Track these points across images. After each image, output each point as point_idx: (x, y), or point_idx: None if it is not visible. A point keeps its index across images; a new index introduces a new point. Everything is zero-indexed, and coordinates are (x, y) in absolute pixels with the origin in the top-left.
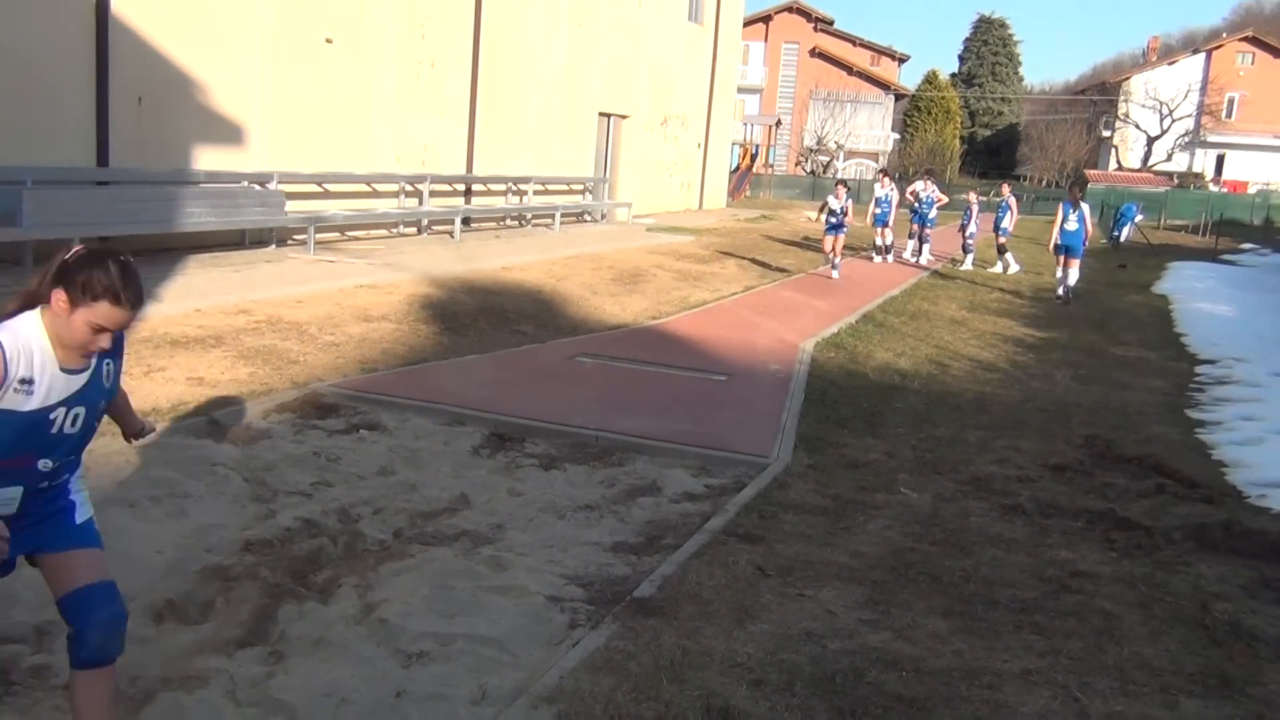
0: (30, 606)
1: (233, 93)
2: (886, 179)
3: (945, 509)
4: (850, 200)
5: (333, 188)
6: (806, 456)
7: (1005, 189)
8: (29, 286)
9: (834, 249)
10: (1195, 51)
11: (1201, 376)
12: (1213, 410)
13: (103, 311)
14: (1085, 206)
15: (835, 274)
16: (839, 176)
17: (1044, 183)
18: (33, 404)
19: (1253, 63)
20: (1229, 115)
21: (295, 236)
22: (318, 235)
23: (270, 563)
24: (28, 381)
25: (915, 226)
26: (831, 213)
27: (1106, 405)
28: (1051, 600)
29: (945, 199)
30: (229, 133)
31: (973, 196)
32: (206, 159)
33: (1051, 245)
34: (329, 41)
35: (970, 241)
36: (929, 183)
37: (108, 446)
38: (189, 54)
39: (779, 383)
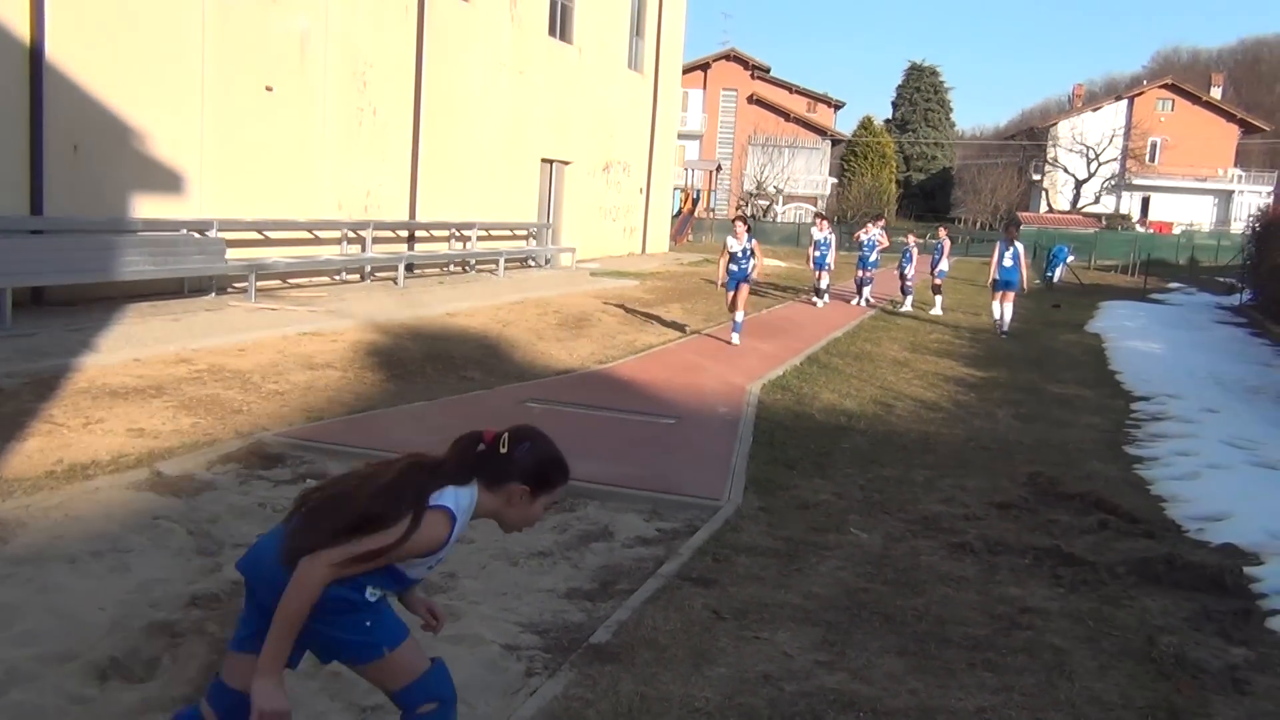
0: None
1: (171, 140)
2: (825, 223)
3: (895, 548)
4: (753, 240)
5: (274, 235)
6: (757, 498)
7: (942, 232)
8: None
9: (735, 304)
10: (1118, 98)
11: (1137, 413)
12: (1149, 446)
13: (559, 492)
14: (1019, 245)
15: (735, 338)
16: (740, 213)
17: (978, 224)
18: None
19: (1173, 109)
20: (1152, 159)
21: (236, 284)
22: (259, 283)
23: (218, 617)
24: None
25: (859, 271)
26: (733, 258)
27: (1047, 443)
28: (1003, 637)
29: (885, 243)
30: (168, 180)
31: (911, 239)
32: (145, 207)
33: (990, 281)
34: (269, 89)
35: (909, 283)
36: (871, 226)
37: (45, 501)
38: (126, 100)
39: (727, 425)
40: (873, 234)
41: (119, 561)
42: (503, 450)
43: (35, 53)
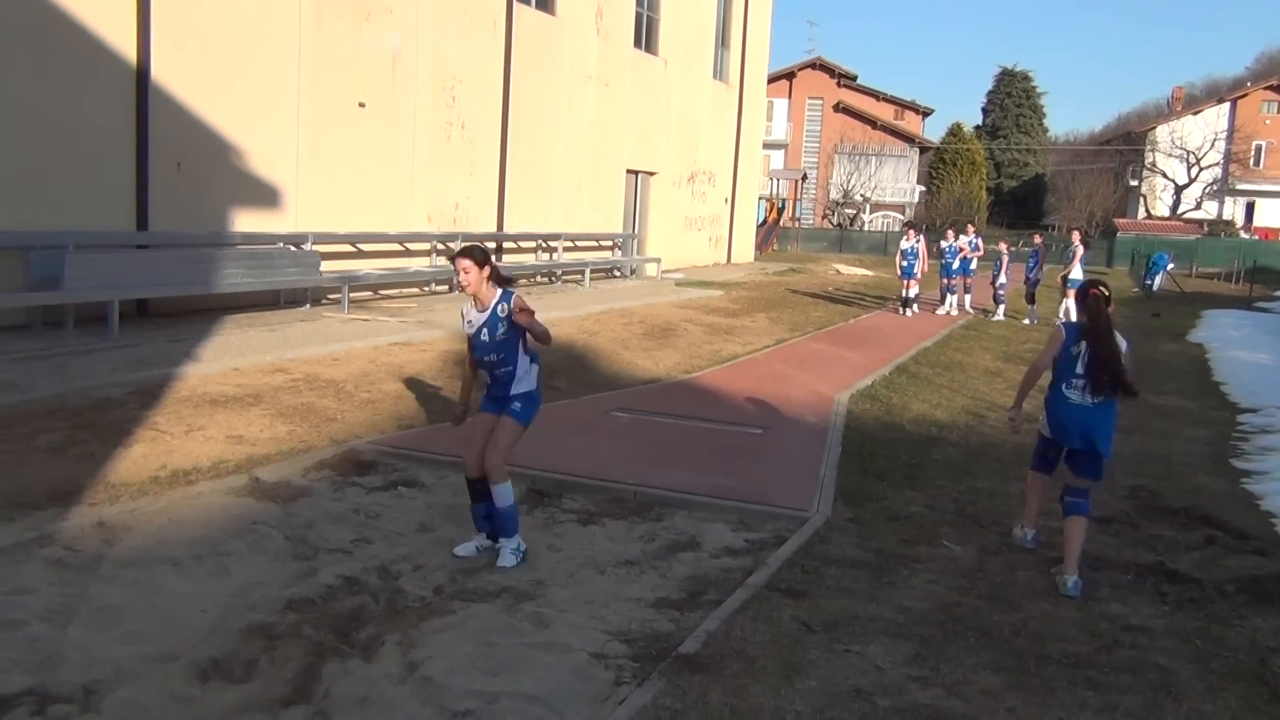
0: (78, 666)
1: (268, 156)
2: (913, 232)
3: (990, 562)
4: (919, 241)
5: (366, 247)
6: (846, 510)
7: (1037, 239)
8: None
9: (907, 288)
10: (1220, 100)
11: (1244, 425)
12: (1259, 460)
13: None
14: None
15: (908, 311)
16: (906, 221)
17: (1086, 233)
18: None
19: (1278, 111)
20: (1257, 163)
21: (330, 296)
22: (352, 294)
23: (313, 621)
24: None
25: (943, 279)
26: (904, 254)
27: (1149, 455)
28: (1104, 655)
29: (968, 252)
30: (265, 195)
31: (1003, 247)
32: (243, 221)
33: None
34: (362, 105)
35: (1001, 292)
36: (951, 234)
37: (150, 506)
38: (226, 119)
39: (815, 435)
40: (952, 242)
41: (219, 565)
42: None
43: (141, 74)
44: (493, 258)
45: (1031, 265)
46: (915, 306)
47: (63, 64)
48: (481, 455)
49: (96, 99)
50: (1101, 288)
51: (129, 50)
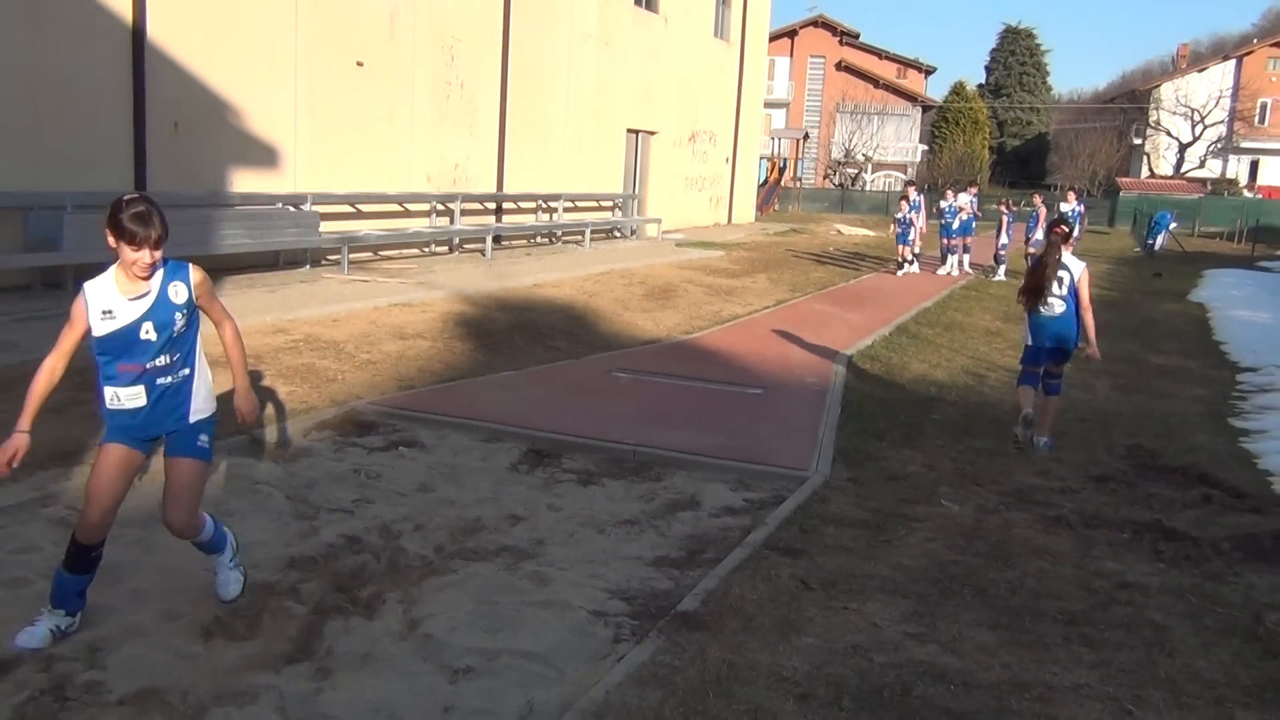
0: (83, 625)
1: (266, 116)
2: (914, 191)
3: (988, 521)
4: (921, 199)
5: (365, 208)
6: (845, 469)
7: (1037, 199)
8: None
9: (902, 253)
10: (1226, 58)
11: (1244, 385)
12: (1257, 419)
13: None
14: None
15: (910, 268)
16: (908, 180)
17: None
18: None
19: None
20: (1262, 121)
21: (329, 256)
22: (351, 255)
23: (315, 579)
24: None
25: (943, 239)
26: (898, 221)
27: (1148, 414)
28: (1100, 612)
29: (968, 210)
30: (263, 155)
31: (1003, 206)
32: (241, 181)
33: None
34: (360, 64)
35: (1001, 253)
36: (950, 194)
37: (151, 466)
38: (223, 79)
39: (815, 396)
40: (952, 202)
41: None
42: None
43: (138, 34)
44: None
45: (1032, 226)
46: (916, 265)
47: (58, 24)
48: (111, 513)
49: (92, 59)
50: (1063, 227)
51: (125, 9)
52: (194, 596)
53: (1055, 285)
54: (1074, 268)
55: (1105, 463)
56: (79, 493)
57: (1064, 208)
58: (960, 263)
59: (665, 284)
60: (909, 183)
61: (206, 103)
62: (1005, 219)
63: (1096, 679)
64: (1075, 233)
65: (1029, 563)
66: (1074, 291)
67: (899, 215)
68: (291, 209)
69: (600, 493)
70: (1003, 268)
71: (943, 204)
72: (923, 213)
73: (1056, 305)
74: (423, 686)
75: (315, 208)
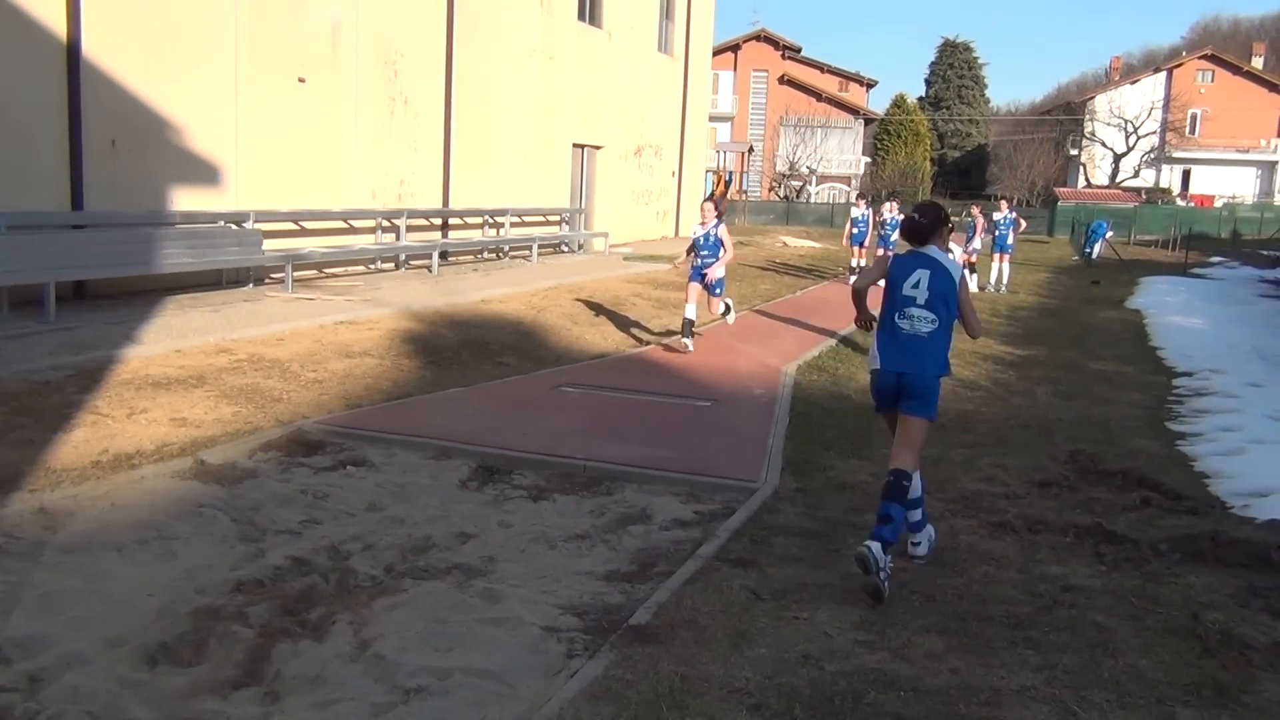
0: (22, 654)
1: (207, 133)
2: (863, 201)
3: (934, 528)
4: (720, 227)
5: (309, 225)
6: (794, 480)
7: (975, 209)
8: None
9: (858, 255)
10: (1157, 70)
11: (1180, 389)
12: (1193, 422)
13: None
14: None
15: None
16: (859, 192)
17: (1015, 201)
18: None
19: (1213, 80)
20: (1192, 131)
21: (273, 275)
22: (296, 273)
23: (262, 602)
24: None
25: (880, 250)
26: (854, 222)
27: (1088, 420)
28: (1044, 615)
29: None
30: (204, 173)
31: (978, 212)
32: (182, 199)
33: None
34: (302, 80)
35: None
36: (895, 206)
37: (92, 491)
38: (162, 94)
39: (763, 407)
40: (895, 215)
41: (165, 549)
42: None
43: (72, 49)
44: None
45: (970, 235)
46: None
47: None
48: None
49: (25, 75)
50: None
51: (58, 23)
52: (138, 623)
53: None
54: (954, 249)
55: (1048, 468)
56: (18, 519)
57: (997, 216)
58: None
59: (614, 298)
60: (860, 195)
61: (145, 119)
62: (980, 223)
63: (1042, 681)
64: (1010, 239)
65: (975, 568)
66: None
67: (855, 215)
68: (234, 227)
69: (551, 508)
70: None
71: (886, 216)
72: (870, 223)
73: None
74: (374, 708)
75: (258, 225)
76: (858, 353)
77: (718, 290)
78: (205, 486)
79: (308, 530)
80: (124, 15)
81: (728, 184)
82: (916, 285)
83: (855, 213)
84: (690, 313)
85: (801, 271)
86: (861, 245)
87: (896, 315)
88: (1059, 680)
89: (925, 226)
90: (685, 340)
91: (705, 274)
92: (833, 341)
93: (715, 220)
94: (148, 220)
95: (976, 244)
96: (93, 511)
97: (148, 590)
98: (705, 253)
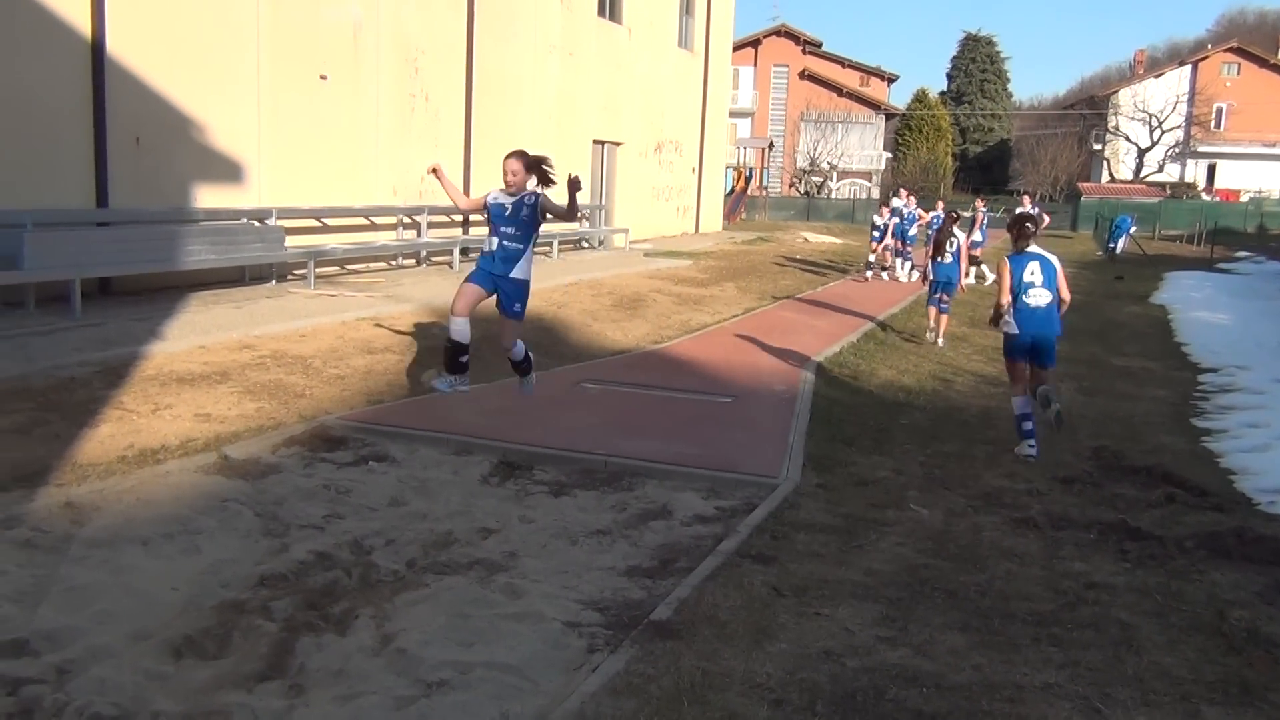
0: (50, 647)
1: (230, 130)
2: (905, 192)
3: (957, 524)
4: (895, 217)
5: (331, 222)
6: (815, 476)
7: (979, 203)
8: None
9: (879, 255)
10: (1181, 63)
11: (1205, 385)
12: (1218, 419)
13: None
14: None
15: (885, 275)
16: (894, 192)
17: (1038, 196)
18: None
19: (1239, 73)
20: (1218, 125)
21: (295, 271)
22: (318, 269)
23: (286, 596)
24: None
25: (897, 243)
26: (875, 227)
27: (1112, 416)
28: (1068, 612)
29: (926, 218)
30: (227, 170)
31: (981, 204)
32: (205, 197)
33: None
34: (323, 78)
35: (975, 252)
36: (907, 193)
37: (118, 485)
38: (185, 93)
39: (784, 403)
40: (913, 210)
41: (190, 543)
42: None
43: (97, 48)
44: None
45: (969, 229)
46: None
47: (14, 39)
48: None
49: (51, 74)
50: (953, 213)
51: (83, 23)
52: (163, 617)
53: (948, 245)
54: (959, 236)
55: (1071, 464)
56: (46, 513)
57: (1019, 211)
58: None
59: (634, 294)
60: (902, 188)
61: (169, 117)
62: (982, 216)
63: (1065, 678)
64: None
65: (998, 565)
66: (957, 252)
67: (877, 221)
68: (256, 224)
69: (572, 504)
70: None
71: (904, 209)
72: (920, 219)
73: (948, 257)
74: (396, 702)
75: (280, 222)
76: (879, 348)
77: (515, 312)
78: (229, 481)
79: (330, 525)
80: (148, 14)
81: (748, 180)
82: (1033, 273)
83: (890, 216)
84: (457, 331)
85: (822, 267)
86: (882, 243)
87: (1023, 294)
88: (1082, 677)
89: (1033, 232)
90: (440, 382)
91: (499, 281)
92: (854, 337)
93: (532, 191)
94: (172, 217)
95: (977, 236)
96: (118, 506)
97: (172, 584)
98: (507, 238)
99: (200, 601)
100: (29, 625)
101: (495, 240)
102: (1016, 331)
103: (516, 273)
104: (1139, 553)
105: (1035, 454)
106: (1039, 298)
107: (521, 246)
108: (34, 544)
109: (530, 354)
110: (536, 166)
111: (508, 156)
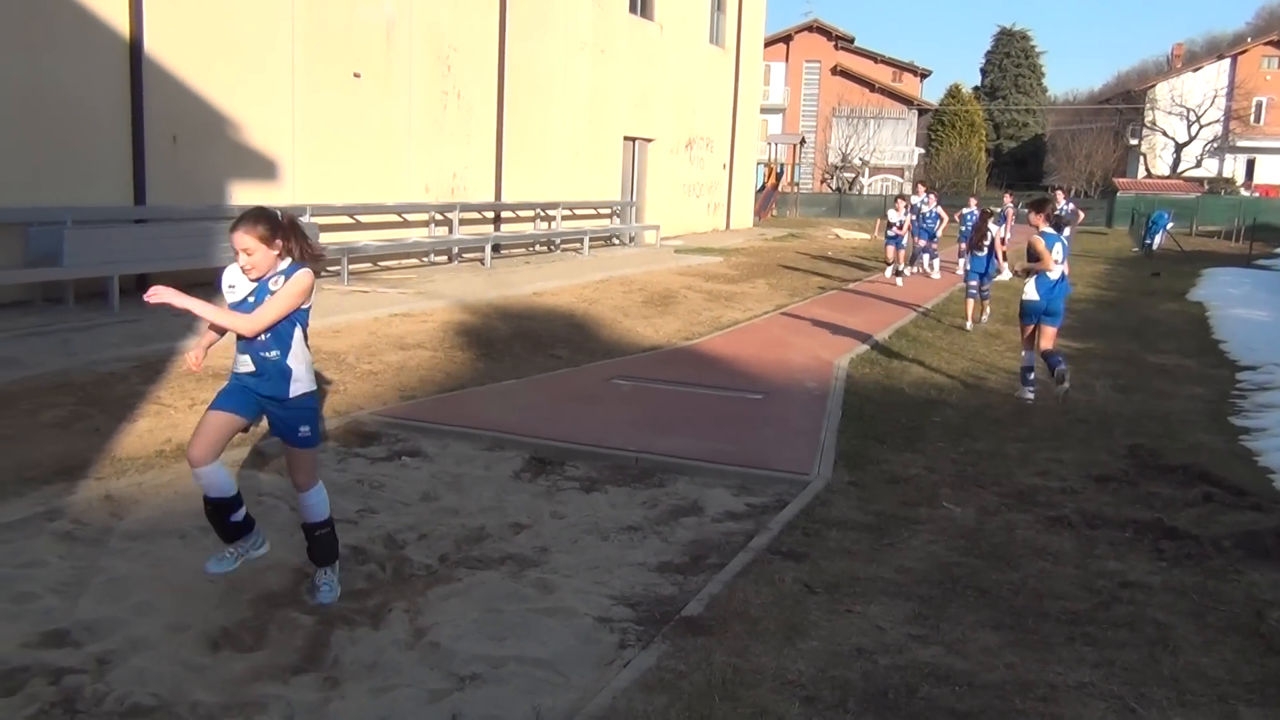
0: (90, 638)
1: (265, 128)
2: (923, 189)
3: (989, 522)
4: (910, 215)
5: (364, 219)
6: (847, 473)
7: (1007, 199)
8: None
9: (895, 258)
10: (1220, 57)
11: (1243, 383)
12: (1256, 417)
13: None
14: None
15: (899, 281)
16: (900, 193)
17: (1073, 192)
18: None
19: (1279, 66)
20: (1257, 120)
21: (328, 268)
22: (351, 266)
23: None
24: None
25: (922, 241)
26: (890, 225)
27: (1148, 414)
28: (1103, 611)
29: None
30: (262, 167)
31: (1009, 200)
32: (240, 194)
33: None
34: (357, 76)
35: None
36: (932, 196)
37: (156, 479)
38: (221, 92)
39: (816, 400)
40: (934, 207)
41: None
42: None
43: (135, 48)
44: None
45: (1000, 222)
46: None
47: (54, 38)
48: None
49: (90, 73)
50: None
51: (121, 23)
52: (201, 609)
53: (984, 241)
54: (993, 229)
55: (1106, 463)
56: (86, 506)
57: (1039, 197)
58: (907, 266)
59: (665, 290)
60: (909, 189)
61: (204, 116)
62: (1011, 212)
63: (1100, 678)
64: (1068, 231)
65: (1031, 563)
66: (991, 245)
67: (893, 218)
68: None
69: (603, 500)
70: (1006, 265)
71: (924, 207)
72: (942, 219)
73: (984, 251)
74: (429, 695)
75: (314, 219)
76: (911, 345)
77: (304, 438)
78: (264, 476)
79: (364, 519)
80: (185, 14)
81: (779, 176)
82: (1057, 251)
83: (925, 207)
84: (210, 485)
85: (853, 265)
86: (902, 248)
87: None
88: (1117, 677)
89: (1061, 218)
90: (214, 563)
91: (268, 404)
92: (886, 334)
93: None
94: (208, 214)
95: (1004, 233)
96: (157, 499)
97: (210, 577)
98: (261, 347)
99: (237, 594)
100: (70, 616)
101: (246, 357)
102: (1037, 298)
103: (295, 388)
104: (1175, 552)
105: (1031, 399)
106: (1058, 270)
107: (280, 354)
108: (75, 536)
109: (335, 531)
110: (291, 230)
111: (233, 229)
